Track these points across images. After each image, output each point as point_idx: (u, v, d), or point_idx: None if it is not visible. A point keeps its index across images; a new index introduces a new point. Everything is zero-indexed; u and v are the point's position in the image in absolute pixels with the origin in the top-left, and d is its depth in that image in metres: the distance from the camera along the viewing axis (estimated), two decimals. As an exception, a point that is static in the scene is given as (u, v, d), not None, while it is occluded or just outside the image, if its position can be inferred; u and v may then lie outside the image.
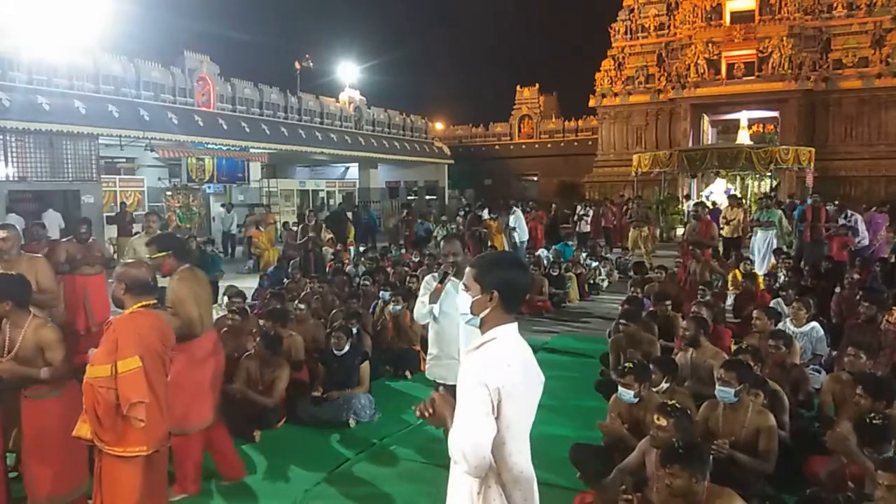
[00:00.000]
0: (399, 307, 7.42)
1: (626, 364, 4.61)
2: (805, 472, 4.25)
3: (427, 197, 34.22)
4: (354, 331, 6.60)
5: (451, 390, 3.63)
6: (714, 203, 17.42)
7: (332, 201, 28.25)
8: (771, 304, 7.36)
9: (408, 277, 9.20)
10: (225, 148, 21.70)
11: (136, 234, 10.55)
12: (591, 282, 12.48)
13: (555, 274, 11.41)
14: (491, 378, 2.08)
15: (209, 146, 21.12)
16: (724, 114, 28.38)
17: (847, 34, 25.90)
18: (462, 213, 19.60)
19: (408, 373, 7.12)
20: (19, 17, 16.06)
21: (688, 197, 21.63)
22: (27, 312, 3.76)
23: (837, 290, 8.15)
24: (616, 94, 30.13)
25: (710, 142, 27.97)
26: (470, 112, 47.20)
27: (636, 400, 4.40)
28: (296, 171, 31.10)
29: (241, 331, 6.59)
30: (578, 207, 19.10)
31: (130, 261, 3.72)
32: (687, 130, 27.81)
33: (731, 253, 12.05)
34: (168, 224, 17.03)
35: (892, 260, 10.66)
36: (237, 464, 4.72)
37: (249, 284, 11.31)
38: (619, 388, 4.46)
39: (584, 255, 13.68)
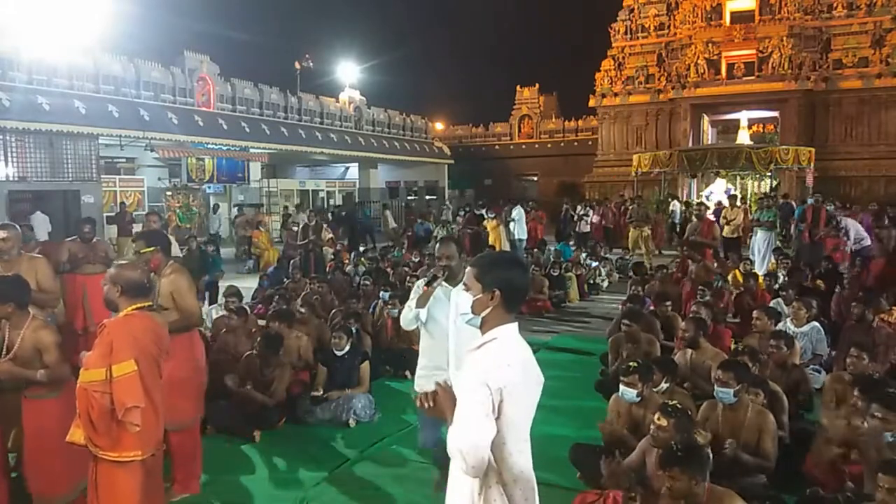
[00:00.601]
0: (397, 310, 7.41)
1: (630, 363, 4.57)
2: (805, 472, 4.25)
3: (427, 197, 34.20)
4: (354, 330, 6.60)
5: None
6: (719, 203, 17.37)
7: (332, 201, 28.24)
8: (771, 304, 7.37)
9: (408, 278, 9.20)
10: (225, 148, 21.71)
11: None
12: (591, 282, 12.48)
13: (555, 274, 11.41)
14: (492, 378, 2.08)
15: (209, 146, 21.13)
16: (724, 114, 28.35)
17: (847, 34, 25.88)
18: (462, 212, 19.67)
19: (408, 373, 7.09)
20: (19, 17, 16.06)
21: (672, 196, 21.56)
22: (27, 313, 3.76)
23: (837, 289, 8.17)
24: (616, 94, 30.11)
25: (710, 142, 27.94)
26: (470, 112, 47.13)
27: (638, 399, 4.40)
28: (296, 171, 31.10)
29: (240, 330, 6.60)
30: (578, 207, 19.14)
31: (123, 262, 3.68)
32: (687, 130, 27.80)
33: (727, 253, 11.96)
34: (168, 224, 17.03)
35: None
36: (196, 475, 4.47)
37: (249, 284, 11.31)
38: (622, 387, 4.45)
39: (584, 255, 13.69)
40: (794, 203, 16.50)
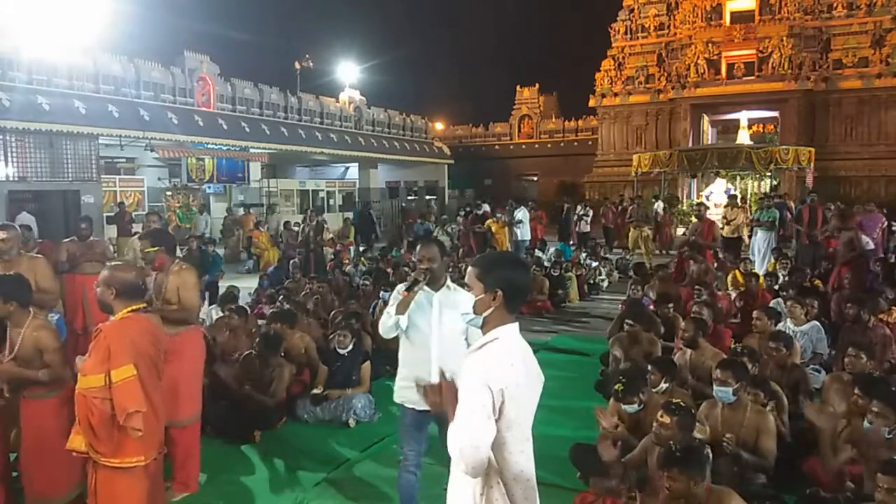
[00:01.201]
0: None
1: (617, 386, 4.45)
2: (805, 472, 4.25)
3: (427, 197, 34.19)
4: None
5: (422, 416, 3.60)
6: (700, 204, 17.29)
7: (331, 201, 28.22)
8: (771, 304, 7.36)
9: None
10: (225, 148, 21.69)
11: (135, 234, 10.57)
12: (591, 282, 12.49)
13: (555, 274, 11.41)
14: (494, 379, 2.09)
15: (209, 146, 21.11)
16: (724, 114, 28.35)
17: (847, 34, 25.89)
18: (462, 212, 19.66)
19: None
20: (19, 17, 16.05)
21: (657, 197, 21.48)
22: (28, 312, 3.76)
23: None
24: (616, 94, 30.12)
25: (710, 142, 27.95)
26: (470, 112, 47.17)
27: (640, 407, 4.39)
28: (296, 171, 31.07)
29: (241, 330, 6.60)
30: (578, 207, 19.15)
31: (118, 263, 3.64)
32: (687, 130, 27.80)
33: (724, 254, 11.89)
34: (168, 224, 17.04)
35: (892, 260, 10.66)
36: (195, 474, 4.48)
37: (249, 284, 11.31)
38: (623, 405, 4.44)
39: (584, 255, 13.69)
40: (789, 203, 16.51)
